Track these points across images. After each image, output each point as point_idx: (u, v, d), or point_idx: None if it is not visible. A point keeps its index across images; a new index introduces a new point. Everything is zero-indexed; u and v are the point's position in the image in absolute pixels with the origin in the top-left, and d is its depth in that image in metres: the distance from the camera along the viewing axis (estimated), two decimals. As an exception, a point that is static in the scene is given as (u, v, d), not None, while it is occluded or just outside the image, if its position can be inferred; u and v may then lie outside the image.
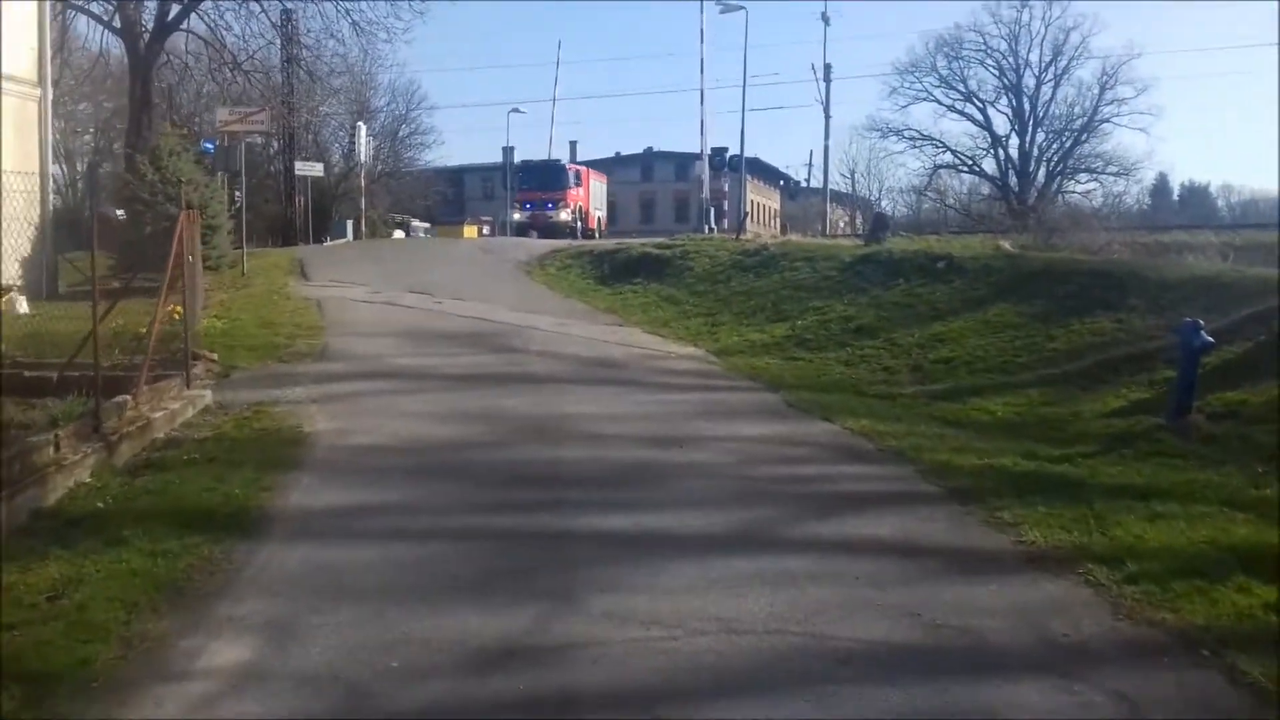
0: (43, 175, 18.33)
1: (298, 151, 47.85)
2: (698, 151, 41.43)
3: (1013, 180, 63.17)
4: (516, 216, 43.51)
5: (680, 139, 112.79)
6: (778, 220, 71.61)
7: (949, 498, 7.01)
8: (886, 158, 67.27)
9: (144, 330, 11.43)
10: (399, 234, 51.58)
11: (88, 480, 7.30)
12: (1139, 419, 9.21)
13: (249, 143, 55.73)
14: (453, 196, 72.44)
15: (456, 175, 72.49)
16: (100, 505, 6.83)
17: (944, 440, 8.70)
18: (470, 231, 57.24)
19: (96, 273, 13.55)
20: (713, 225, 39.65)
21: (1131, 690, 4.23)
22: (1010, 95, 61.07)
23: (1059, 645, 4.69)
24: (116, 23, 28.46)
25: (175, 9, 28.38)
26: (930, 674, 4.38)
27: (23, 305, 15.19)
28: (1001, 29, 58.67)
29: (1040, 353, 11.48)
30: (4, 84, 16.61)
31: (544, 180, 45.42)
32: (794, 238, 29.56)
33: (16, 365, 10.16)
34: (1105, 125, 59.73)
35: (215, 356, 12.48)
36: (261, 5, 29.17)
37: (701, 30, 39.57)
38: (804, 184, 75.01)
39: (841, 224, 59.35)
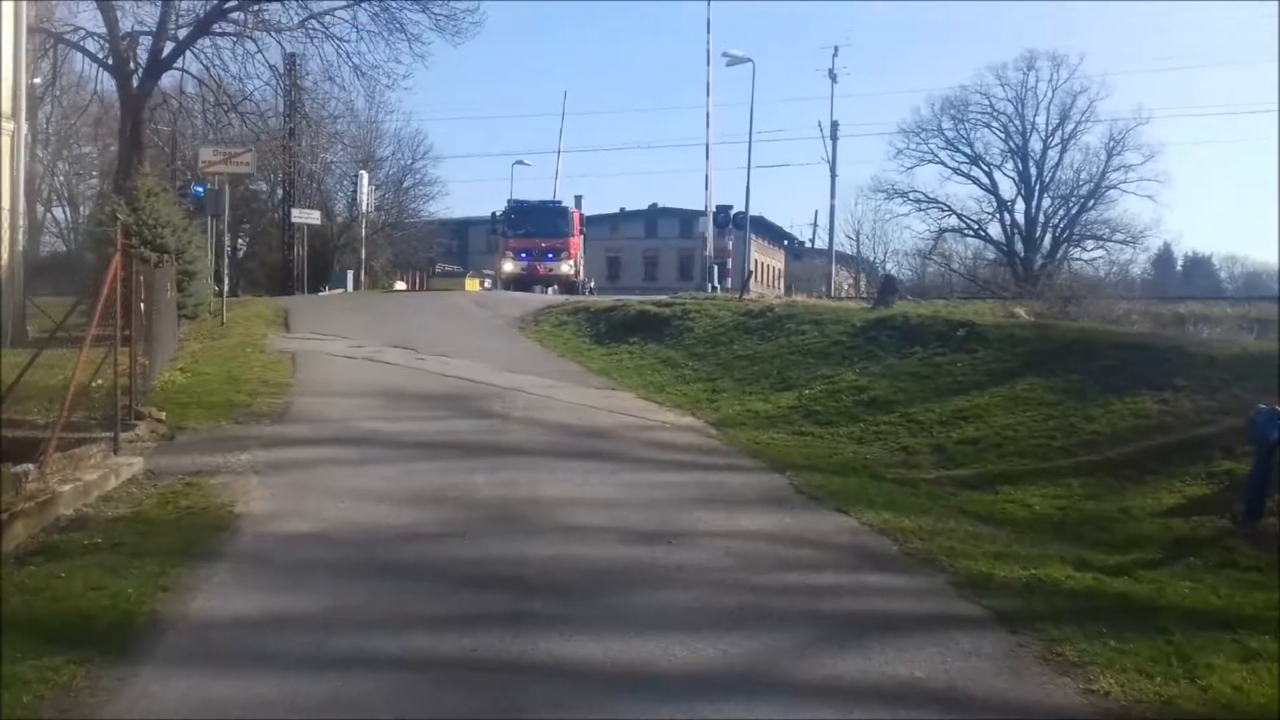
0: (12, 212, 17.21)
1: (299, 199, 47.29)
2: (702, 208, 40.60)
3: (1018, 246, 62.50)
4: (509, 267, 37.13)
5: (685, 195, 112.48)
6: (782, 280, 70.87)
7: (995, 623, 5.75)
8: (891, 220, 66.41)
9: (98, 383, 10.34)
10: (400, 285, 50.79)
11: (-46, 572, 6.08)
12: (1202, 520, 7.98)
13: (253, 189, 55.50)
14: (456, 249, 72.00)
15: (460, 227, 72.10)
16: (-45, 608, 5.60)
17: (978, 541, 7.45)
18: (472, 285, 56.49)
19: (70, 319, 12.61)
20: (716, 284, 38.80)
21: None
22: (1016, 159, 60.54)
23: None
24: (110, 59, 27.75)
25: (169, 47, 27.62)
26: None
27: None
28: (1008, 91, 58.23)
29: (1078, 435, 10.24)
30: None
31: (542, 225, 38.06)
32: (799, 298, 28.46)
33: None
34: (1112, 191, 59.10)
35: (163, 416, 11.29)
36: (258, 45, 28.39)
37: (708, 83, 38.88)
38: (809, 244, 74.53)
39: (846, 285, 58.47)
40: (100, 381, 10.27)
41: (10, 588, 5.95)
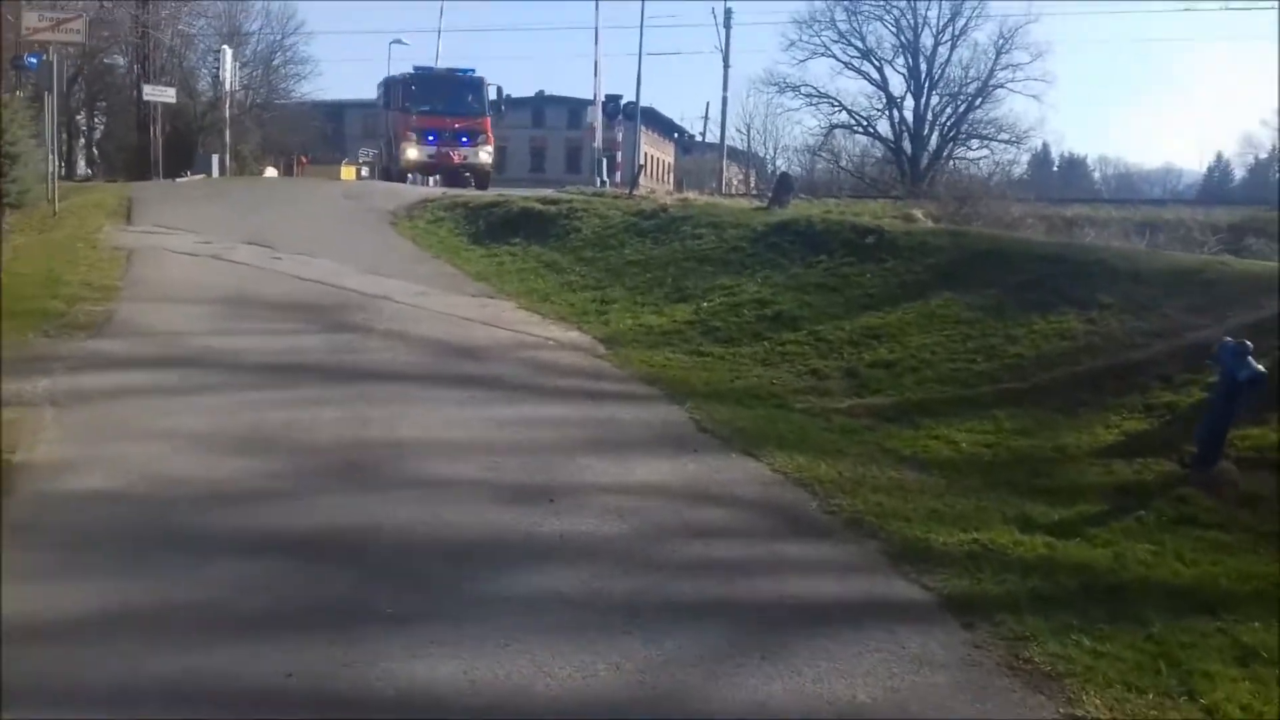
0: None
1: (156, 75, 43.94)
2: (591, 97, 38.73)
3: (906, 144, 62.52)
4: (412, 154, 30.15)
5: (574, 83, 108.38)
6: (672, 175, 69.49)
7: (942, 612, 4.76)
8: (783, 114, 65.58)
9: None
10: (271, 172, 47.78)
11: None
12: (1145, 463, 7.15)
13: (107, 63, 51.21)
14: (331, 134, 68.69)
15: (335, 110, 68.51)
16: None
17: (906, 493, 6.47)
18: (348, 173, 53.58)
19: None
20: (605, 177, 37.31)
21: None
22: (907, 55, 59.98)
23: None
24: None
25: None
26: None
27: None
28: (902, -18, 57.17)
29: (1000, 358, 9.36)
30: None
31: (454, 100, 31.20)
32: (691, 195, 27.17)
33: None
34: (999, 90, 59.16)
35: (-49, 329, 9.52)
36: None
37: (598, -38, 36.45)
38: (699, 138, 73.13)
39: (736, 181, 57.47)
40: None
41: None
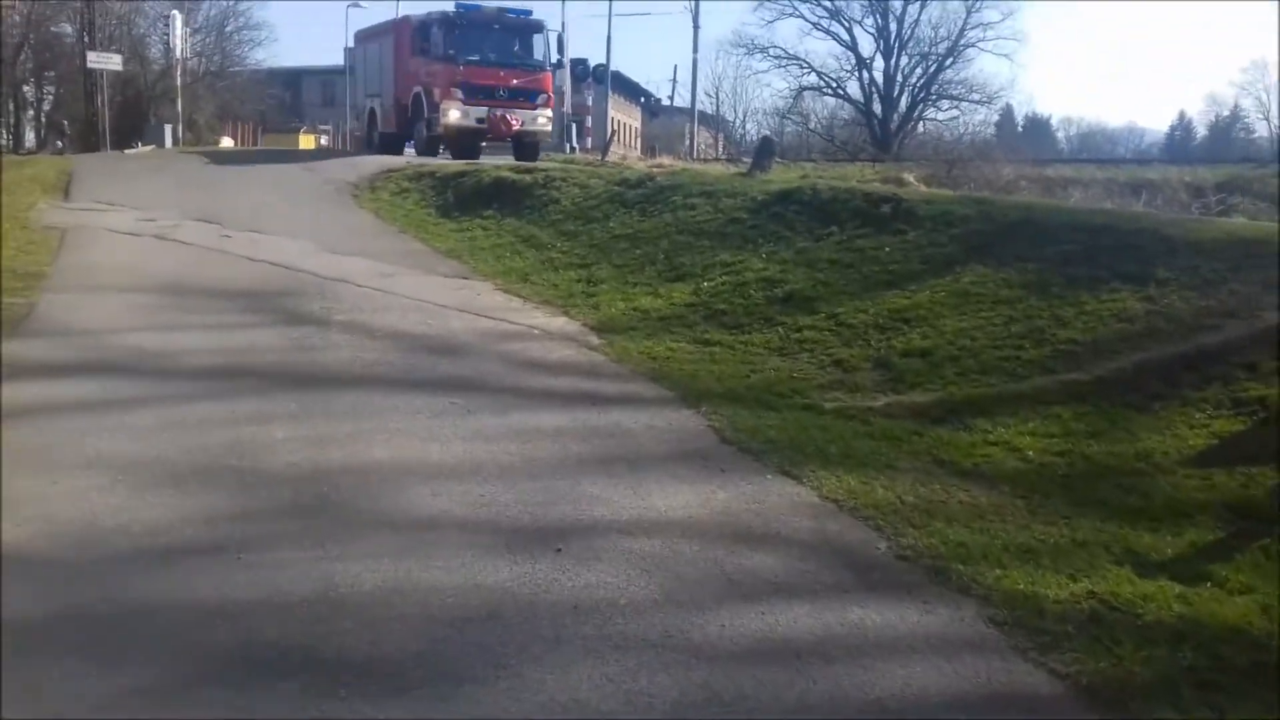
0: None
1: (104, 42, 42.23)
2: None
3: (876, 106, 61.76)
4: (455, 116, 22.91)
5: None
6: (640, 140, 68.15)
7: (1084, 707, 3.65)
8: (751, 77, 64.51)
9: None
10: (227, 142, 46.13)
11: None
12: (1250, 474, 6.07)
13: (55, 31, 49.11)
14: (289, 101, 67.07)
15: (293, 78, 66.84)
16: None
17: (985, 522, 5.33)
18: (307, 141, 51.95)
19: None
20: (574, 144, 36.08)
21: None
22: (876, 15, 59.18)
23: None
24: None
25: None
26: None
27: None
28: (871, -60, 56.00)
29: (1050, 343, 8.22)
30: None
31: (507, 48, 24.21)
32: (666, 161, 25.87)
33: None
34: (970, 50, 58.40)
35: None
36: None
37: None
38: (667, 101, 71.82)
39: (704, 146, 56.25)
40: None
41: None
